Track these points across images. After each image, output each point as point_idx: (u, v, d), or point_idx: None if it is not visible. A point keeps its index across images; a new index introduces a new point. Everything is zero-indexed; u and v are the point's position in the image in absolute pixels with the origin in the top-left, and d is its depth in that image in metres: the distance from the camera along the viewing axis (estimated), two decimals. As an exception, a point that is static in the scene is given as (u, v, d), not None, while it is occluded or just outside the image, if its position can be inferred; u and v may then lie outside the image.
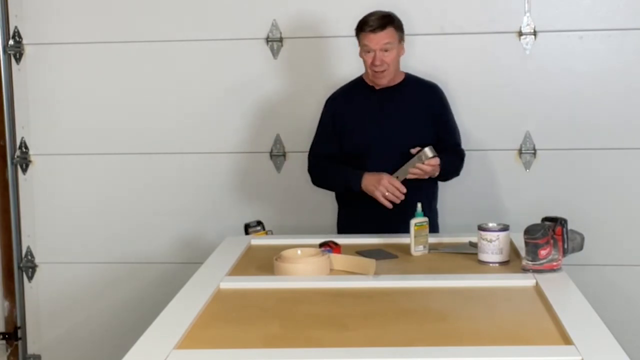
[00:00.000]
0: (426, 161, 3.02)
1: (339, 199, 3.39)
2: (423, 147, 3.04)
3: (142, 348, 1.95)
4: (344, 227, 3.35)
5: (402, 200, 3.02)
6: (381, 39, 3.08)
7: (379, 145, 3.18)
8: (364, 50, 3.12)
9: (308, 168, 3.36)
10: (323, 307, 2.30)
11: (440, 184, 3.59)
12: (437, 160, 3.04)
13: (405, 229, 2.84)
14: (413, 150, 3.07)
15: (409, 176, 3.04)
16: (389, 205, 3.02)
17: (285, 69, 3.76)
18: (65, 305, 3.96)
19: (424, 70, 3.63)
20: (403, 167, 3.05)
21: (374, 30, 3.07)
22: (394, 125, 3.20)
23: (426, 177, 3.08)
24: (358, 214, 3.25)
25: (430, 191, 3.29)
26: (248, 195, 3.83)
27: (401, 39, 3.17)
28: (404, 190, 3.01)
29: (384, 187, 3.01)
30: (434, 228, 3.13)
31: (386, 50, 3.09)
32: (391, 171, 3.06)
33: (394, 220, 3.04)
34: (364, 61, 3.16)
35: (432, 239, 2.87)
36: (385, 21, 3.09)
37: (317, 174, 3.33)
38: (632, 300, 3.71)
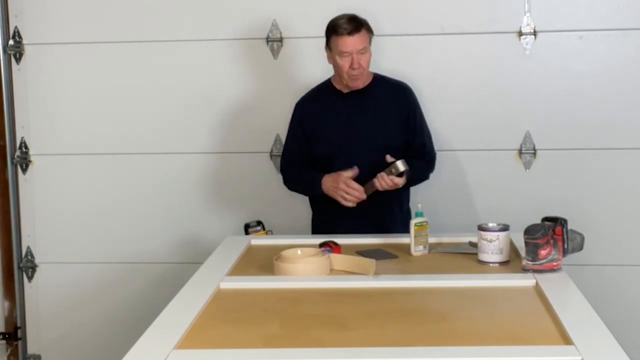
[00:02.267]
0: (389, 177, 2.99)
1: (312, 204, 3.40)
2: (396, 158, 3.02)
3: (142, 348, 1.95)
4: (318, 232, 3.32)
5: (371, 202, 3.04)
6: (358, 41, 3.06)
7: (347, 149, 3.18)
8: (340, 54, 3.09)
9: (282, 176, 3.39)
10: (323, 307, 2.30)
11: (441, 185, 3.62)
12: (401, 180, 3.01)
13: (381, 230, 2.94)
14: (388, 158, 3.03)
15: (379, 188, 3.02)
16: (352, 205, 3.04)
17: (285, 69, 3.76)
18: (65, 305, 3.96)
19: (424, 70, 3.64)
20: (370, 182, 3.03)
21: (350, 33, 3.05)
22: (363, 129, 3.20)
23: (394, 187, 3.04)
24: (331, 219, 3.24)
25: (401, 193, 3.24)
26: (248, 195, 3.83)
27: (371, 41, 3.16)
28: (360, 190, 3.01)
29: (343, 191, 3.03)
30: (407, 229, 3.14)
31: (362, 54, 3.09)
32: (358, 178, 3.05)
33: (368, 222, 3.11)
34: (338, 66, 3.12)
35: (432, 239, 2.87)
36: (357, 23, 3.08)
37: (288, 180, 3.36)
38: (632, 300, 3.71)
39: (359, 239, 3.01)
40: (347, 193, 3.03)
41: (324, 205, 3.22)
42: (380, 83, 3.28)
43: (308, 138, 3.28)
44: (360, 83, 3.18)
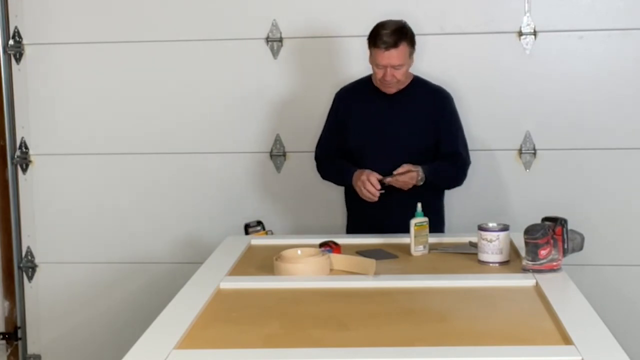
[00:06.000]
0: (397, 173, 3.01)
1: (347, 204, 3.39)
2: (423, 161, 3.05)
3: (142, 348, 1.95)
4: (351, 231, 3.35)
5: (400, 204, 3.02)
6: (393, 58, 3.02)
7: (375, 145, 3.18)
8: (376, 65, 3.08)
9: (316, 163, 3.40)
10: (323, 307, 2.30)
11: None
12: (411, 175, 3.01)
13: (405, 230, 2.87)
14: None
15: (395, 184, 3.03)
16: (370, 199, 3.03)
17: (285, 69, 3.76)
18: (65, 305, 3.95)
19: (424, 70, 3.63)
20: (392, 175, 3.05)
21: (387, 48, 3.01)
22: (392, 127, 3.20)
23: (406, 187, 3.05)
24: (363, 219, 3.26)
25: (430, 197, 3.19)
26: (248, 195, 3.83)
27: (412, 53, 3.12)
28: (378, 186, 3.00)
29: (361, 182, 3.03)
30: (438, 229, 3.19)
31: (398, 69, 3.06)
32: (384, 172, 3.05)
33: (395, 222, 3.05)
34: (374, 70, 3.13)
35: (432, 239, 2.87)
36: (398, 37, 3.02)
37: (321, 169, 3.37)
38: (632, 300, 3.70)
39: (359, 239, 3.01)
40: (364, 186, 3.02)
41: (356, 205, 3.24)
42: (418, 85, 3.27)
43: (341, 129, 3.29)
44: (393, 91, 3.17)
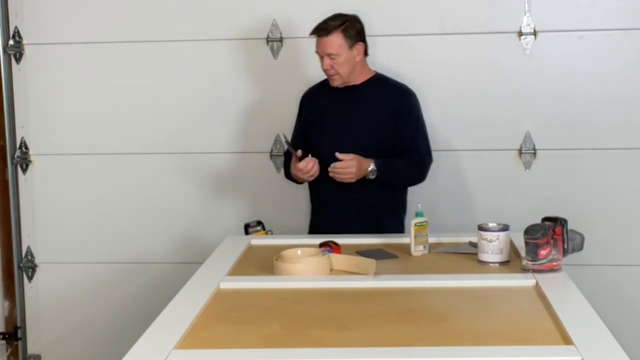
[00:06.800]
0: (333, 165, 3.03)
1: (311, 201, 3.45)
2: (380, 156, 3.09)
3: (142, 348, 1.95)
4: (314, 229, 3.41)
5: (350, 203, 3.15)
6: (327, 46, 3.10)
7: (332, 141, 3.18)
8: (317, 53, 3.17)
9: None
10: (323, 307, 2.30)
11: (441, 185, 3.61)
12: (349, 163, 3.01)
13: (356, 230, 3.04)
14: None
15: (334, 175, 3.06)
16: (307, 178, 3.13)
17: (285, 69, 3.76)
18: (65, 305, 3.96)
19: (424, 70, 3.64)
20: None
21: (320, 35, 3.11)
22: (350, 124, 3.23)
23: (347, 179, 3.06)
24: (325, 216, 3.33)
25: (388, 196, 3.26)
26: (248, 195, 3.83)
27: (354, 44, 3.14)
28: (309, 161, 3.07)
29: (296, 168, 3.12)
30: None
31: (333, 59, 3.11)
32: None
33: (361, 221, 3.19)
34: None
35: (432, 239, 2.87)
36: (332, 26, 3.09)
37: (285, 169, 3.41)
38: (632, 300, 3.70)
39: (359, 239, 3.01)
40: (301, 169, 3.09)
41: (317, 203, 3.30)
42: (379, 82, 3.29)
43: (305, 128, 3.35)
44: (337, 83, 3.21)
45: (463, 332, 2.05)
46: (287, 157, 3.38)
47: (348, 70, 3.17)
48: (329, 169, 3.04)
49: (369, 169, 3.06)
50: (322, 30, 3.10)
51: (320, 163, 3.13)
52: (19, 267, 3.97)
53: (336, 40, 3.10)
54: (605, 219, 3.66)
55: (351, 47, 3.13)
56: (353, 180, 3.06)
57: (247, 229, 3.30)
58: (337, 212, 3.25)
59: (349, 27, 3.12)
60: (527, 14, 3.61)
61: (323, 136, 3.26)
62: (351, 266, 2.59)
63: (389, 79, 3.33)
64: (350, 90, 3.24)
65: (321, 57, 3.15)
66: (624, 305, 3.67)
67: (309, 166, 3.09)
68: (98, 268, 3.93)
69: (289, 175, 3.34)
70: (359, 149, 3.10)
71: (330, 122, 3.27)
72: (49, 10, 3.82)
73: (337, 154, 3.02)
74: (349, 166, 3.02)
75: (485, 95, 3.68)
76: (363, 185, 3.10)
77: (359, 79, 3.23)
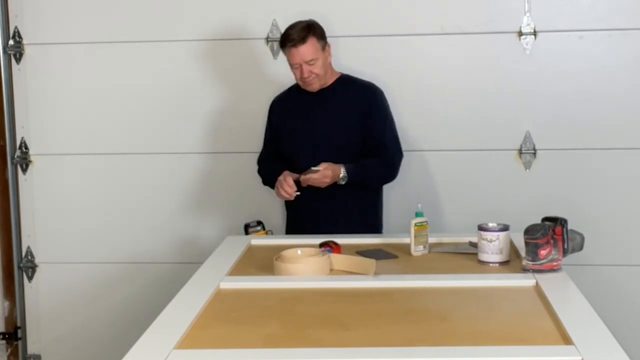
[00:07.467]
0: (308, 171, 3.04)
1: (285, 207, 3.45)
2: (353, 158, 3.10)
3: (142, 348, 1.95)
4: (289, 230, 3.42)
5: (330, 203, 3.16)
6: (304, 53, 3.11)
7: (307, 147, 3.22)
8: (291, 66, 3.17)
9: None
10: (323, 307, 2.30)
11: (441, 185, 3.61)
12: (324, 173, 3.04)
13: (337, 231, 3.00)
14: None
15: (311, 182, 3.08)
16: (286, 199, 3.13)
17: (285, 69, 3.75)
18: (65, 305, 3.96)
19: (424, 70, 3.64)
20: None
21: (295, 45, 3.11)
22: (321, 128, 3.24)
23: (323, 185, 3.08)
24: (299, 221, 3.34)
25: (357, 194, 3.26)
26: (248, 195, 3.83)
27: (324, 46, 3.19)
28: (293, 187, 3.08)
29: (279, 183, 3.12)
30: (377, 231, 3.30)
31: (312, 64, 3.13)
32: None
33: (329, 222, 3.19)
34: (293, 73, 3.20)
35: (432, 239, 2.87)
36: (305, 33, 3.12)
37: (260, 175, 3.44)
38: (632, 300, 3.71)
39: (359, 239, 3.01)
40: (281, 187, 3.10)
41: (295, 206, 3.28)
42: (345, 83, 3.32)
43: (275, 135, 3.37)
44: (316, 86, 3.22)
45: (463, 332, 2.05)
46: (266, 164, 3.39)
47: (324, 72, 3.20)
48: (301, 179, 3.06)
49: (340, 175, 3.10)
50: (297, 40, 3.10)
51: (295, 167, 3.16)
52: (19, 267, 3.97)
53: (312, 45, 3.12)
54: (605, 219, 3.66)
55: (323, 48, 3.18)
56: (327, 185, 3.10)
57: (247, 229, 3.30)
58: (311, 215, 3.26)
59: (317, 30, 3.17)
60: (527, 14, 3.61)
61: (296, 140, 3.28)
62: (351, 266, 2.59)
63: (356, 78, 3.36)
64: (318, 94, 3.26)
65: (297, 68, 3.16)
66: (624, 305, 3.67)
67: (289, 190, 3.09)
68: (98, 268, 3.94)
69: (266, 181, 3.37)
70: (332, 151, 3.14)
71: (303, 126, 3.28)
72: (49, 10, 3.83)
73: (313, 168, 3.04)
74: (324, 176, 3.06)
75: (485, 95, 3.68)
76: (336, 188, 3.13)
77: (329, 80, 3.27)
